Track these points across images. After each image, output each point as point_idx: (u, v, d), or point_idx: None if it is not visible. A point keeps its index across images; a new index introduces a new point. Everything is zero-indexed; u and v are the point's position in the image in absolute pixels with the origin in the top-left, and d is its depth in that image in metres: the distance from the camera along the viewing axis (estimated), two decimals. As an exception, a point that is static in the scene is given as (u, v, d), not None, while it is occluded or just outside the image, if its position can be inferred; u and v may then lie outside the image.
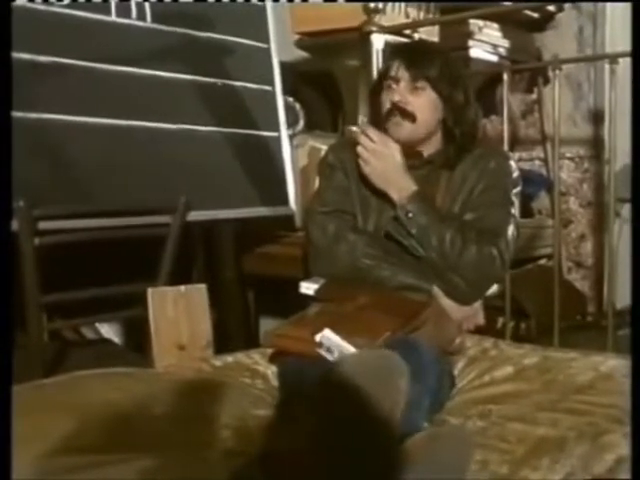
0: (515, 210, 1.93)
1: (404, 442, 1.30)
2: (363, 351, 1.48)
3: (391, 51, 2.18)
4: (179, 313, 1.92)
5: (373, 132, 1.88)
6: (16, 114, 1.99)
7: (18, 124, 1.97)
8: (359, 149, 1.88)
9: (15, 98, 1.73)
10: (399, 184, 1.87)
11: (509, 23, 3.49)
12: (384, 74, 1.94)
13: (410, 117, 1.87)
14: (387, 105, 1.90)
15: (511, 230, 1.89)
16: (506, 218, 1.90)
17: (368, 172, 1.89)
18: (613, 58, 2.48)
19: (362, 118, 2.78)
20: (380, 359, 1.32)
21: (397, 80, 1.89)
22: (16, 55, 2.04)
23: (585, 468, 1.30)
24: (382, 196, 1.91)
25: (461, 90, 1.92)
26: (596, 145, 3.56)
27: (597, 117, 3.55)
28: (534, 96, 3.71)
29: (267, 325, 3.00)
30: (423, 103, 1.89)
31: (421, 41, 2.82)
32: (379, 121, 1.93)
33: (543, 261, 3.38)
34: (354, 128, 1.92)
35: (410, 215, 1.85)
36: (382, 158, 1.87)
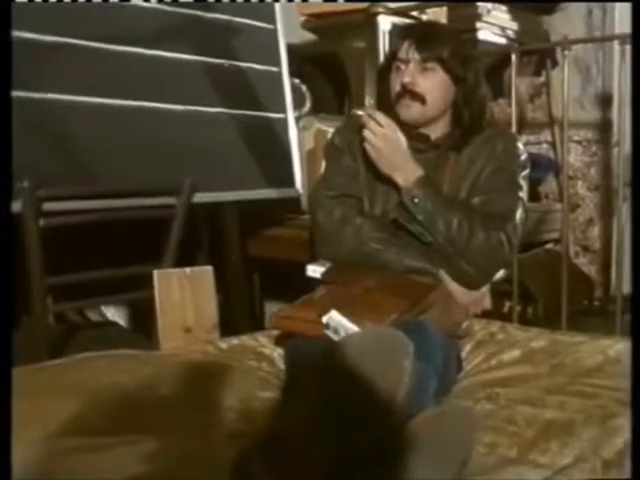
0: (523, 193, 1.91)
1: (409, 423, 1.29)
2: (367, 330, 1.47)
3: (400, 32, 2.16)
4: (185, 295, 1.92)
5: (381, 116, 1.85)
6: (20, 94, 1.97)
7: (22, 104, 1.96)
8: (366, 133, 1.85)
9: (19, 78, 1.72)
10: (405, 169, 1.84)
11: (517, 6, 3.45)
12: (393, 55, 1.91)
13: (420, 99, 1.85)
14: (396, 87, 1.88)
15: (519, 214, 1.86)
16: (514, 202, 1.87)
17: (375, 156, 1.86)
18: (623, 39, 2.46)
19: (369, 100, 2.77)
20: (384, 338, 1.30)
21: (407, 61, 1.86)
22: (19, 34, 2.02)
23: (594, 451, 1.30)
24: (389, 181, 1.89)
25: (472, 71, 1.90)
26: (604, 129, 3.53)
27: (605, 100, 3.53)
28: (542, 79, 3.69)
29: (273, 308, 2.99)
30: (433, 84, 1.86)
31: (430, 22, 2.80)
32: (387, 103, 1.91)
33: (550, 245, 3.37)
34: (360, 111, 1.89)
35: (416, 200, 1.83)
36: (389, 143, 1.84)
